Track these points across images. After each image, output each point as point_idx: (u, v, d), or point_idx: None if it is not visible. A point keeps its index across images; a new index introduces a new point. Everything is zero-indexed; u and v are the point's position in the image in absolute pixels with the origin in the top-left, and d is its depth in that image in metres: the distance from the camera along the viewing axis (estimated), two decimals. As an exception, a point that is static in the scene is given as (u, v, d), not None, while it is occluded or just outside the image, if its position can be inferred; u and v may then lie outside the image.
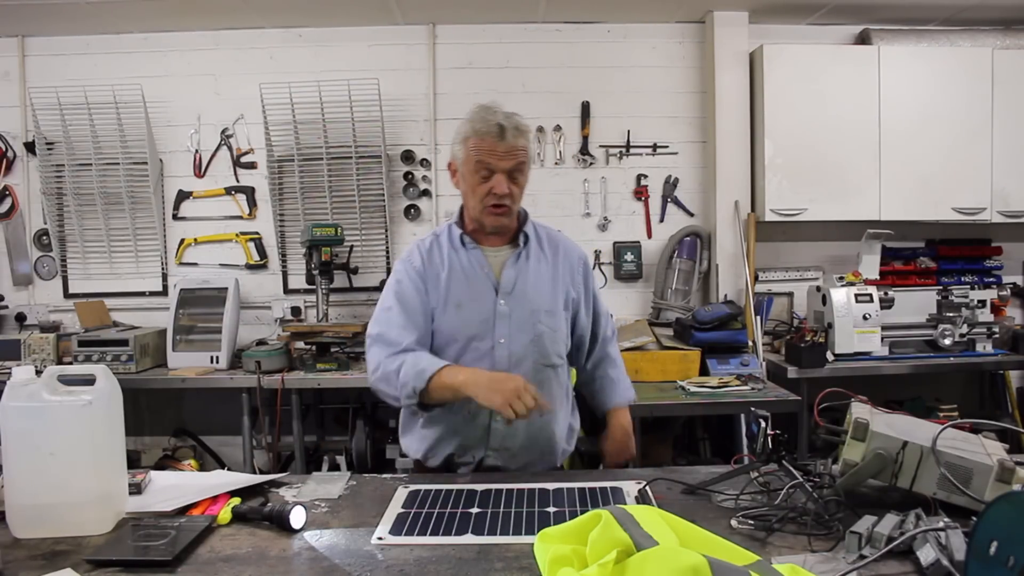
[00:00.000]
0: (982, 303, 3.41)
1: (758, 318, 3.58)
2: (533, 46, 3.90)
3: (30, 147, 3.79)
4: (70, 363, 3.34)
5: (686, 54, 3.92)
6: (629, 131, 3.91)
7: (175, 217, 3.92)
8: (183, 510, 1.39)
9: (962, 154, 3.66)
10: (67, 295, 3.90)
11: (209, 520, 1.32)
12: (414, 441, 1.80)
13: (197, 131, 3.88)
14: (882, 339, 3.31)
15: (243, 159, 3.90)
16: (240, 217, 3.93)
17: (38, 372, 1.33)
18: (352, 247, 3.79)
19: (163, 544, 1.21)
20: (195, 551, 1.22)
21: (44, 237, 3.90)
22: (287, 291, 3.93)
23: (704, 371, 3.16)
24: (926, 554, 1.07)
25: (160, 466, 3.58)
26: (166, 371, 3.39)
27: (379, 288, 3.71)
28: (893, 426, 1.33)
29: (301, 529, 1.30)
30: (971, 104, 3.64)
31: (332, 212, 3.83)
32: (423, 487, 1.52)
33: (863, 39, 3.88)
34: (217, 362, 3.39)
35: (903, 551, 1.11)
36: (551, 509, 1.39)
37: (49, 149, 3.79)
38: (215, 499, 1.43)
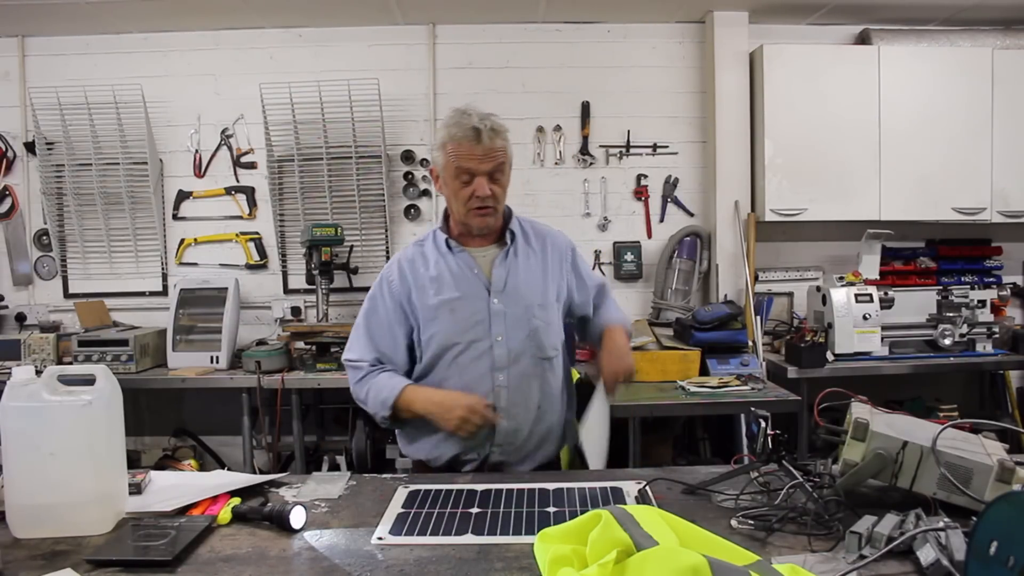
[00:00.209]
0: (982, 303, 3.40)
1: (758, 318, 3.58)
2: (533, 46, 3.90)
3: (30, 147, 3.80)
4: (70, 363, 3.34)
5: (686, 54, 3.92)
6: (629, 131, 3.91)
7: (175, 217, 3.92)
8: (183, 510, 1.39)
9: (962, 154, 3.66)
10: (67, 295, 3.91)
11: (209, 520, 1.32)
12: (418, 446, 1.81)
13: (197, 131, 3.88)
14: (882, 339, 3.31)
15: (243, 159, 3.90)
16: (240, 217, 3.93)
17: (38, 372, 1.33)
18: (352, 247, 3.79)
19: (163, 544, 1.21)
20: (195, 551, 1.22)
21: (44, 237, 3.90)
22: (287, 291, 3.94)
23: (704, 371, 3.16)
24: (926, 554, 1.07)
25: (160, 466, 3.58)
26: (166, 371, 3.39)
27: (379, 288, 3.71)
28: (893, 426, 1.33)
29: (301, 529, 1.30)
30: (971, 104, 3.64)
31: (332, 212, 3.84)
32: (423, 487, 1.52)
33: (863, 39, 3.88)
34: (217, 362, 3.39)
35: (903, 551, 1.11)
36: (551, 509, 1.38)
37: (49, 149, 3.80)
38: (215, 499, 1.43)
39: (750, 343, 3.38)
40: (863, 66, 3.63)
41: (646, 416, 2.88)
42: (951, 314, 3.37)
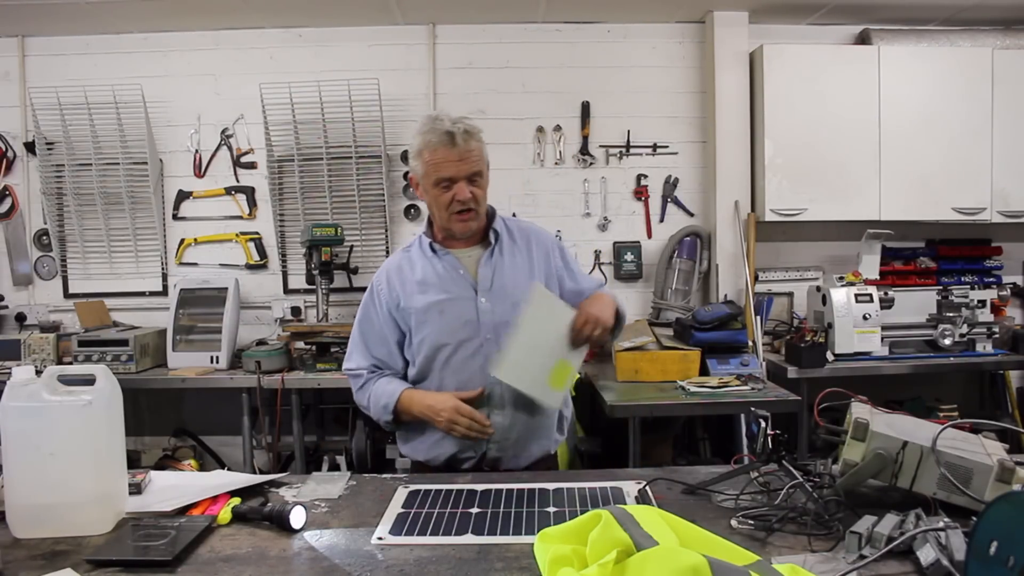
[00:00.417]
0: (982, 303, 3.40)
1: (758, 318, 3.58)
2: (533, 46, 3.90)
3: (30, 147, 3.80)
4: (70, 363, 3.33)
5: (686, 54, 3.92)
6: (629, 131, 3.91)
7: (175, 217, 3.92)
8: (183, 510, 1.39)
9: (962, 154, 3.66)
10: (67, 295, 3.90)
11: (209, 520, 1.32)
12: (416, 447, 1.83)
13: (197, 131, 3.88)
14: (882, 339, 3.31)
15: (243, 159, 3.90)
16: (240, 217, 3.93)
17: (38, 372, 1.33)
18: (352, 247, 3.79)
19: (163, 544, 1.21)
20: (195, 551, 1.22)
21: (44, 237, 3.90)
22: (287, 291, 3.93)
23: (704, 371, 3.16)
24: (926, 554, 1.07)
25: (160, 466, 3.58)
26: (166, 371, 3.39)
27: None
28: (893, 426, 1.33)
29: (301, 529, 1.30)
30: (971, 104, 3.64)
31: (332, 212, 3.84)
32: (423, 487, 1.52)
33: (863, 39, 3.88)
34: (217, 362, 3.39)
35: (903, 551, 1.11)
36: (551, 509, 1.38)
37: (49, 149, 3.79)
38: (215, 499, 1.43)
39: (750, 343, 3.38)
40: (863, 66, 3.63)
41: (646, 416, 2.88)
42: (951, 314, 3.37)
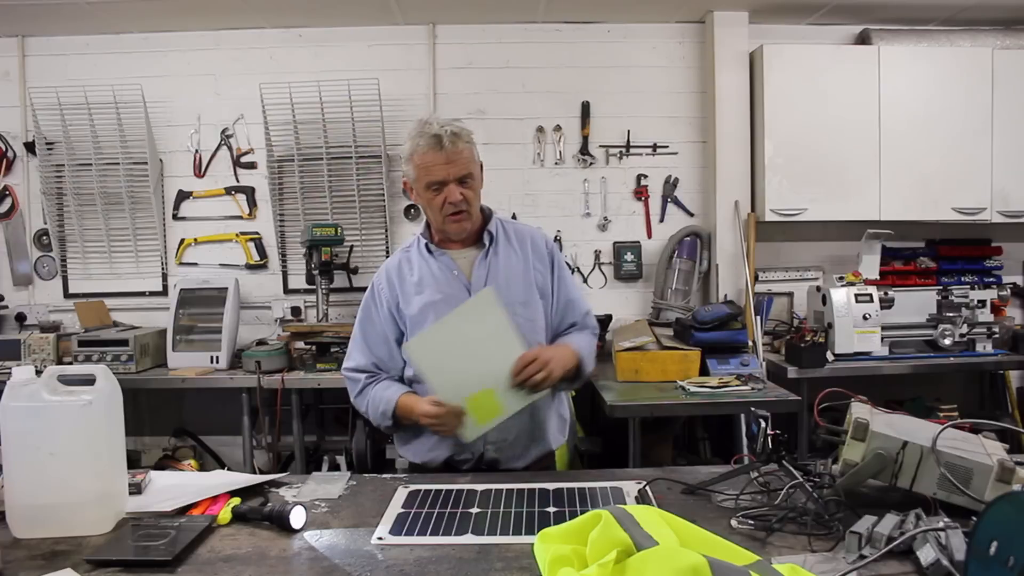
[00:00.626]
0: (982, 303, 3.40)
1: (758, 318, 3.58)
2: (533, 46, 3.90)
3: (30, 147, 3.79)
4: (70, 363, 3.33)
5: (686, 54, 3.92)
6: (629, 131, 3.91)
7: (175, 217, 3.92)
8: (183, 510, 1.39)
9: (962, 154, 3.66)
10: (67, 295, 3.90)
11: (209, 520, 1.32)
12: (414, 449, 1.84)
13: (197, 131, 3.88)
14: (882, 339, 3.31)
15: (243, 159, 3.90)
16: (240, 217, 3.93)
17: (38, 372, 1.33)
18: (352, 247, 3.79)
19: (163, 544, 1.21)
20: (195, 551, 1.22)
21: (44, 237, 3.90)
22: (287, 291, 3.93)
23: (704, 371, 3.16)
24: (926, 554, 1.07)
25: (160, 466, 3.58)
26: (166, 371, 3.39)
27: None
28: (893, 426, 1.33)
29: (301, 529, 1.31)
30: (971, 104, 3.64)
31: (332, 212, 3.83)
32: (423, 487, 1.52)
33: (863, 39, 3.88)
34: (217, 362, 3.39)
35: (903, 551, 1.11)
36: (551, 509, 1.39)
37: (49, 149, 3.79)
38: (215, 499, 1.43)
39: (750, 343, 3.38)
40: (863, 66, 3.63)
41: (646, 416, 2.88)
42: (951, 314, 3.37)
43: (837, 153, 3.63)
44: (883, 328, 3.30)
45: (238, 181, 3.91)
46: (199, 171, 3.90)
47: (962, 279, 3.89)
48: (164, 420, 3.88)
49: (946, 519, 1.15)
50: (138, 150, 3.79)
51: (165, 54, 3.86)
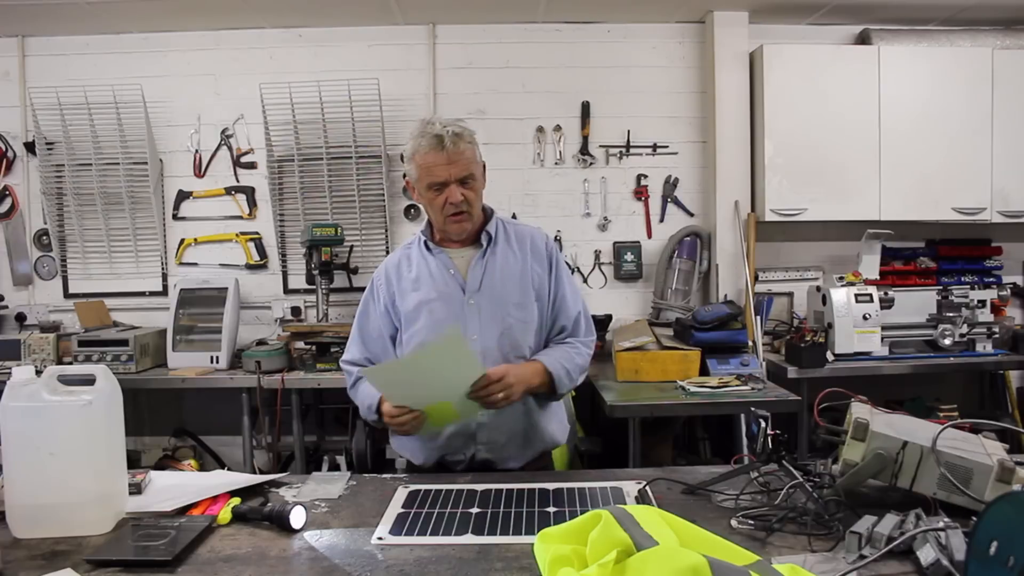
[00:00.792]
0: (982, 303, 3.40)
1: (758, 318, 3.58)
2: (533, 46, 3.90)
3: (30, 147, 3.79)
4: (70, 363, 3.33)
5: (686, 54, 3.92)
6: (629, 131, 3.91)
7: (175, 217, 3.92)
8: (183, 510, 1.39)
9: (962, 154, 3.66)
10: (67, 295, 3.90)
11: (209, 520, 1.32)
12: (409, 448, 1.85)
13: (197, 131, 3.88)
14: (882, 339, 3.31)
15: (243, 159, 3.90)
16: (240, 217, 3.93)
17: (38, 372, 1.33)
18: (352, 247, 3.79)
19: (163, 544, 1.21)
20: (195, 551, 1.22)
21: (44, 237, 3.90)
22: (287, 291, 3.93)
23: (704, 371, 3.16)
24: (926, 554, 1.07)
25: (160, 466, 3.58)
26: (166, 371, 3.39)
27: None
28: (893, 426, 1.33)
29: (301, 529, 1.31)
30: (971, 104, 3.64)
31: (332, 212, 3.83)
32: (423, 487, 1.52)
33: (863, 39, 3.88)
34: (217, 362, 3.39)
35: (903, 551, 1.11)
36: (551, 509, 1.39)
37: (49, 149, 3.79)
38: (215, 499, 1.43)
39: (750, 343, 3.38)
40: (863, 66, 3.63)
41: (646, 416, 2.88)
42: (951, 314, 3.37)
43: (837, 153, 3.63)
44: (883, 328, 3.30)
45: (238, 181, 3.91)
46: (199, 171, 3.90)
47: (962, 279, 3.89)
48: (164, 420, 3.88)
49: (946, 519, 1.15)
50: (138, 150, 3.79)
51: (165, 54, 3.86)
